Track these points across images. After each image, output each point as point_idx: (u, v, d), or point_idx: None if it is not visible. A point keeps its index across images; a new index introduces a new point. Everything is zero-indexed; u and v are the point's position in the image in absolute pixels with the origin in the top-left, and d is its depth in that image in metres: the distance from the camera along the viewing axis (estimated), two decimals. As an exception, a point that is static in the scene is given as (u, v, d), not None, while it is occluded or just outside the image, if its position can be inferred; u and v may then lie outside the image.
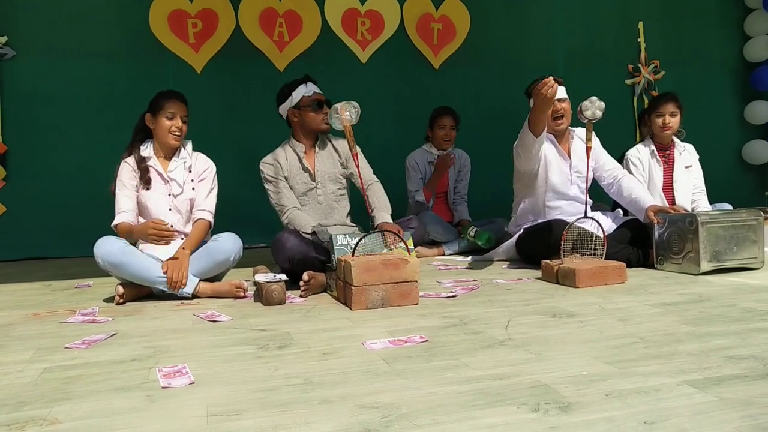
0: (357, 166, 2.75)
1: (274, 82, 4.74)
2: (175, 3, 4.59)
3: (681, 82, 5.30)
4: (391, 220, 2.91)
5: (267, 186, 3.10)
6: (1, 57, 4.25)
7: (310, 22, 4.85)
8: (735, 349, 1.62)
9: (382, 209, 2.96)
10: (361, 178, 2.84)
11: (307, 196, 3.11)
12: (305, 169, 3.10)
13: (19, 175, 4.32)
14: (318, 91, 3.08)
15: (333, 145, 3.19)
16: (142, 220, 2.75)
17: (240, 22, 4.71)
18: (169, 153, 2.81)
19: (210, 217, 2.79)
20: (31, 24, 4.34)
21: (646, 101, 5.58)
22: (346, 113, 2.65)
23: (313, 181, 3.10)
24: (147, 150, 2.79)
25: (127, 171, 2.74)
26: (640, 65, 5.61)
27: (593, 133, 3.06)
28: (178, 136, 2.77)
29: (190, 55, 4.63)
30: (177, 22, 4.59)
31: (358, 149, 3.09)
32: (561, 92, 3.26)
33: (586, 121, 2.97)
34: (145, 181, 2.73)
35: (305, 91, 3.06)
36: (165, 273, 2.54)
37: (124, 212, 2.69)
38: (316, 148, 3.15)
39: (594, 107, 2.94)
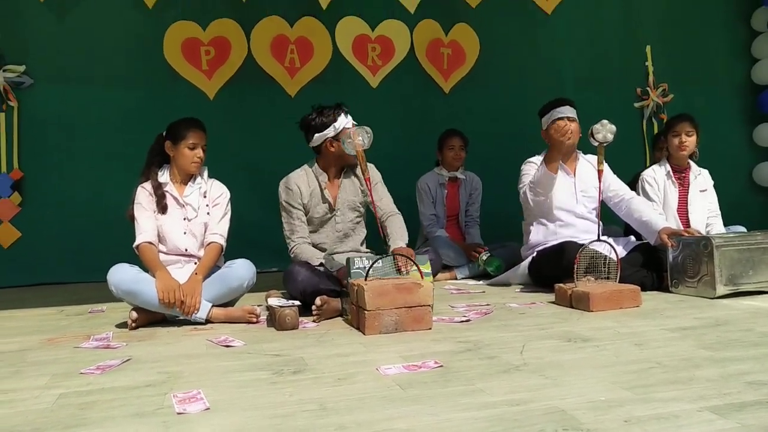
0: (369, 189, 2.77)
1: (285, 107, 4.82)
2: (188, 31, 4.67)
3: (689, 105, 5.30)
4: (405, 246, 2.88)
5: (281, 210, 3.10)
6: (19, 85, 4.33)
7: (321, 48, 4.91)
8: (755, 375, 1.59)
9: (397, 238, 2.93)
10: (373, 202, 2.86)
11: (325, 224, 3.09)
12: (325, 200, 3.06)
13: (34, 201, 4.37)
14: (355, 123, 2.99)
15: (355, 173, 3.15)
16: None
17: (252, 48, 4.78)
18: (185, 178, 2.84)
19: (222, 241, 2.80)
20: (47, 53, 4.43)
21: (656, 124, 5.59)
22: (359, 138, 2.67)
23: (332, 211, 3.08)
24: (164, 176, 2.82)
25: (145, 195, 2.77)
26: (648, 88, 5.63)
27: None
28: (199, 164, 2.80)
29: (203, 81, 4.70)
30: (190, 50, 4.67)
31: (380, 178, 3.11)
32: (570, 111, 3.30)
33: (597, 144, 2.97)
34: (162, 207, 2.76)
35: (346, 122, 2.98)
36: (162, 299, 2.52)
37: (146, 232, 2.71)
38: (341, 178, 3.10)
39: (605, 130, 2.94)
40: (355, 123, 2.96)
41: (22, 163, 4.36)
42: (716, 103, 5.71)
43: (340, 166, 3.09)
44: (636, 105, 5.62)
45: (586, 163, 3.41)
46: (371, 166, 3.12)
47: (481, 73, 5.26)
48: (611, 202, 3.43)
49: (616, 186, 3.43)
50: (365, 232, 3.22)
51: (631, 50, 5.62)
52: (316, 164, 3.11)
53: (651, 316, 2.47)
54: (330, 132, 2.97)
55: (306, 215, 3.07)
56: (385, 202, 3.12)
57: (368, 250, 3.20)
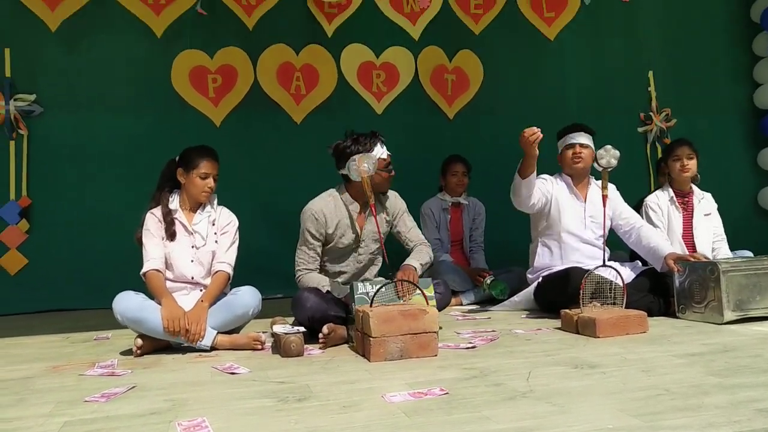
0: (375, 215, 2.77)
1: (291, 134, 4.88)
2: (196, 59, 4.74)
3: (693, 130, 5.33)
4: (416, 266, 2.84)
5: (301, 236, 3.00)
6: (29, 114, 4.39)
7: (326, 75, 4.97)
8: (765, 402, 1.58)
9: (413, 258, 2.91)
10: (380, 232, 2.85)
11: (348, 254, 3.04)
12: (354, 230, 2.99)
13: (41, 228, 4.40)
14: (389, 153, 2.99)
15: (382, 202, 3.09)
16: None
17: (258, 76, 4.84)
18: (195, 206, 2.85)
19: (229, 270, 2.81)
20: (57, 81, 4.50)
21: (659, 149, 5.61)
22: (364, 165, 2.69)
23: (357, 242, 3.03)
24: (174, 202, 2.83)
25: (154, 222, 2.78)
26: (651, 113, 5.66)
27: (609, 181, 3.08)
28: (209, 194, 2.82)
29: (210, 109, 4.75)
30: (198, 78, 4.73)
31: (405, 207, 3.12)
32: (583, 137, 3.37)
33: (601, 169, 2.99)
34: (170, 234, 2.77)
35: (381, 152, 2.93)
36: (167, 328, 2.53)
37: (153, 259, 2.71)
38: (369, 208, 2.98)
39: (609, 155, 2.97)
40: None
41: (31, 190, 4.40)
42: (719, 128, 5.73)
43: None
44: (639, 130, 5.64)
45: (598, 189, 3.43)
46: (396, 194, 3.13)
47: (484, 99, 5.31)
48: (621, 230, 3.44)
49: (627, 214, 3.44)
50: (381, 262, 3.16)
51: (634, 75, 5.67)
52: (346, 193, 3.00)
53: (658, 342, 2.45)
54: (375, 157, 2.85)
55: (327, 245, 2.98)
56: (413, 232, 3.08)
57: (380, 278, 3.16)
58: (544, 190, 3.38)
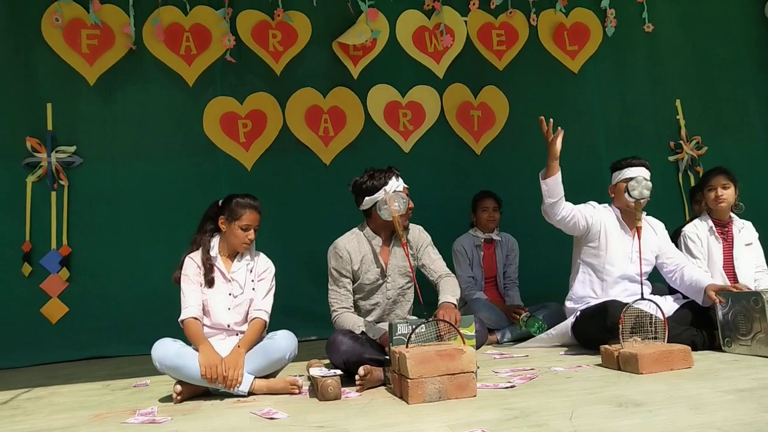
0: (407, 255, 2.78)
1: (321, 175, 4.94)
2: (226, 106, 4.86)
3: (725, 157, 5.23)
4: (454, 302, 2.82)
5: (329, 276, 3.04)
6: (70, 165, 4.53)
7: (353, 116, 5.05)
8: (823, 441, 1.52)
9: (448, 292, 2.89)
10: (411, 267, 2.86)
11: (376, 290, 3.05)
12: (379, 265, 3.02)
13: (81, 276, 4.48)
14: (407, 186, 3.03)
15: (406, 237, 3.10)
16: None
17: (287, 120, 4.94)
18: (233, 253, 2.90)
19: (266, 317, 2.83)
20: (95, 132, 4.63)
21: (692, 177, 5.53)
22: (395, 204, 2.72)
23: (383, 277, 3.04)
24: (214, 249, 2.88)
25: (192, 267, 2.82)
26: (681, 142, 5.60)
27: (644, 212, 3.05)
28: (249, 246, 2.86)
29: (241, 153, 4.86)
30: (228, 124, 4.85)
31: (429, 240, 3.13)
32: (643, 172, 3.29)
33: (633, 201, 2.96)
34: (209, 281, 2.80)
35: (397, 185, 2.96)
36: (204, 375, 2.54)
37: (191, 306, 2.75)
38: (392, 242, 3.07)
39: (641, 187, 2.95)
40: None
41: (71, 238, 4.51)
42: (752, 153, 5.62)
43: (391, 230, 3.02)
44: (670, 159, 5.58)
45: (648, 227, 3.39)
46: (420, 228, 3.14)
47: (511, 134, 5.31)
48: (665, 269, 3.39)
49: (672, 254, 3.39)
50: (412, 300, 3.15)
51: (661, 104, 5.62)
52: (367, 228, 3.06)
53: (705, 378, 2.38)
54: (381, 195, 2.92)
55: (355, 282, 3.01)
56: (438, 264, 3.08)
57: (415, 318, 3.15)
58: (585, 213, 3.35)
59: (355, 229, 3.09)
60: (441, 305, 2.79)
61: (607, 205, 3.47)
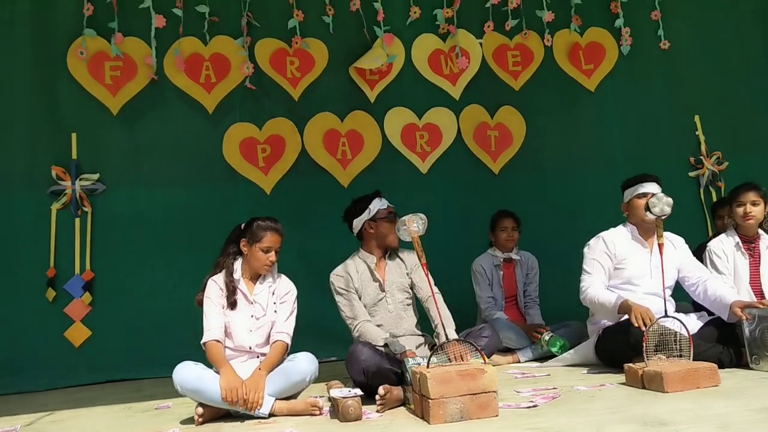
0: (426, 275, 2.79)
1: (339, 197, 4.93)
2: (246, 132, 4.94)
3: (746, 172, 5.14)
4: (457, 337, 2.84)
5: (337, 298, 3.19)
6: (93, 192, 4.63)
7: (371, 139, 5.09)
8: None
9: (447, 325, 2.93)
10: (431, 286, 2.87)
11: (377, 306, 3.17)
12: (375, 279, 3.20)
13: (103, 300, 4.54)
14: (391, 205, 3.28)
15: (399, 256, 3.31)
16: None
17: (305, 144, 4.99)
18: (255, 275, 2.93)
19: (288, 340, 2.85)
20: (118, 160, 4.73)
21: (713, 192, 5.46)
22: (414, 225, 2.73)
23: (382, 291, 3.18)
24: (237, 272, 2.90)
25: (215, 290, 2.85)
26: (701, 157, 5.54)
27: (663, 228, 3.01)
28: (270, 267, 2.89)
29: (260, 177, 4.91)
30: (248, 149, 4.92)
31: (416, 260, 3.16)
32: (656, 188, 3.31)
33: (655, 217, 2.94)
34: (231, 303, 2.83)
35: (380, 204, 3.25)
36: (225, 398, 2.54)
37: (213, 329, 2.77)
38: (386, 259, 3.27)
39: (662, 203, 2.92)
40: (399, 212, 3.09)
41: (94, 263, 4.58)
42: (773, 168, 5.54)
43: (382, 248, 3.25)
44: (691, 174, 5.52)
45: (668, 242, 3.36)
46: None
47: (529, 154, 5.31)
48: (687, 283, 3.36)
49: (693, 267, 3.38)
50: (417, 316, 3.29)
51: (680, 120, 5.58)
52: (361, 250, 3.31)
53: (733, 396, 2.33)
54: (365, 215, 3.23)
55: (360, 299, 3.17)
56: (423, 284, 3.16)
57: (423, 334, 3.21)
58: (606, 263, 3.34)
59: (351, 255, 3.33)
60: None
61: (621, 225, 3.44)
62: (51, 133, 4.63)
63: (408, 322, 3.20)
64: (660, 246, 2.96)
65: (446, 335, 2.75)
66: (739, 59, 5.69)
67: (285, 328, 2.86)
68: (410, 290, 3.26)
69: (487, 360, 2.53)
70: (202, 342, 2.76)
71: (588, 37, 5.49)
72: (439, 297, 3.10)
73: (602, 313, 3.25)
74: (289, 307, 2.92)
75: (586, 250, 3.42)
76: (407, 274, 3.26)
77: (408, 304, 3.24)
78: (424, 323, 3.34)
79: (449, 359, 2.56)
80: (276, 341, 2.82)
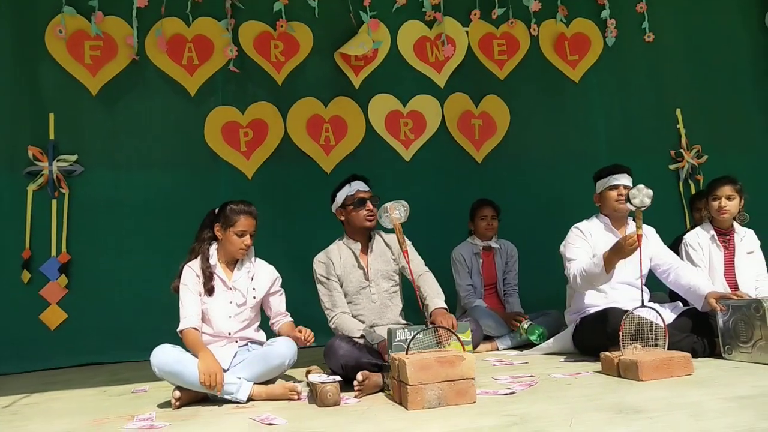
0: (408, 262, 2.80)
1: (322, 183, 4.93)
2: (228, 115, 4.88)
3: (726, 165, 5.21)
4: (445, 306, 2.94)
5: (318, 286, 3.19)
6: (71, 173, 4.55)
7: (354, 125, 5.07)
8: (824, 446, 1.51)
9: (435, 296, 3.01)
10: (411, 273, 2.88)
11: (361, 294, 3.16)
12: (360, 267, 3.17)
13: (80, 283, 4.48)
14: (362, 188, 3.21)
15: (385, 241, 3.29)
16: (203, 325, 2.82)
17: (288, 129, 4.95)
18: (232, 261, 2.91)
19: (290, 317, 3.00)
20: (97, 141, 4.65)
21: (692, 186, 5.53)
22: (396, 212, 2.73)
23: (366, 280, 3.16)
24: (213, 257, 2.88)
25: (191, 276, 2.82)
26: (682, 150, 5.60)
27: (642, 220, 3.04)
28: (245, 251, 2.87)
29: (242, 162, 4.87)
30: (230, 133, 4.86)
31: (409, 243, 3.16)
32: (627, 179, 3.37)
33: (635, 209, 2.96)
34: (209, 290, 2.81)
35: (348, 191, 3.21)
36: (203, 382, 2.53)
37: (190, 316, 2.75)
38: (370, 246, 3.24)
39: (642, 195, 2.94)
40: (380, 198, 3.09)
41: (70, 246, 4.52)
42: (754, 162, 5.60)
43: (361, 232, 3.22)
44: (671, 167, 5.58)
45: (633, 228, 3.38)
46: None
47: (512, 143, 5.33)
48: (658, 270, 3.39)
49: (664, 255, 3.39)
50: (402, 303, 3.24)
51: (662, 114, 5.63)
52: (345, 236, 3.29)
53: (705, 385, 2.37)
54: (339, 199, 3.22)
55: (341, 287, 3.16)
56: (416, 263, 3.19)
57: (407, 322, 3.20)
58: (585, 249, 3.33)
59: (336, 241, 3.31)
60: (435, 312, 2.83)
61: (593, 217, 3.47)
62: (28, 113, 4.54)
63: (392, 312, 3.18)
64: (638, 237, 2.98)
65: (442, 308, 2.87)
66: (722, 54, 5.74)
67: (283, 309, 3.02)
68: (396, 277, 3.24)
69: (465, 348, 2.54)
70: (178, 330, 2.74)
71: (574, 27, 5.50)
72: (430, 275, 3.17)
73: (597, 280, 3.14)
74: (282, 295, 3.04)
75: (562, 247, 3.42)
76: (394, 260, 3.23)
77: (394, 292, 3.22)
78: (409, 311, 3.34)
79: (439, 342, 2.57)
80: (285, 322, 2.97)
